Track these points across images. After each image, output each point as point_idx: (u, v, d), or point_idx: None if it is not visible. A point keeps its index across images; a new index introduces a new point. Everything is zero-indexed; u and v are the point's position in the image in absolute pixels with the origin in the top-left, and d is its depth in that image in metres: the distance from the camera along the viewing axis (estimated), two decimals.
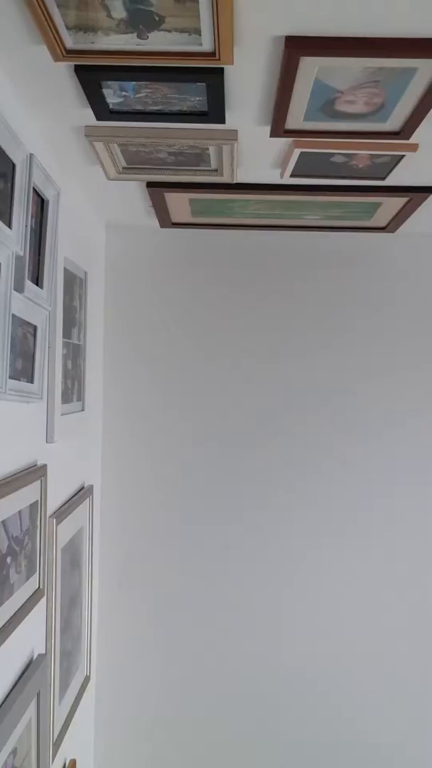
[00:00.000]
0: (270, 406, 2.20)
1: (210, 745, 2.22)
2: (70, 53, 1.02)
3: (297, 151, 1.40)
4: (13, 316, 1.23)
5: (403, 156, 1.45)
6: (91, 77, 1.12)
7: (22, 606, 1.32)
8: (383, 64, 1.05)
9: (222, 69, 1.09)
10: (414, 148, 1.39)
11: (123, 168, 1.57)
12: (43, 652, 1.53)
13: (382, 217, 1.94)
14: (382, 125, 1.27)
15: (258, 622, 2.21)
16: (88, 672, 2.00)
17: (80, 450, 1.90)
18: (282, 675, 2.21)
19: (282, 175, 1.57)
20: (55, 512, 1.61)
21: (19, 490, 1.29)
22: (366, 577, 2.20)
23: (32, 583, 1.40)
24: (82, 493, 1.88)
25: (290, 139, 1.38)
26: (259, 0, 0.92)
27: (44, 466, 1.46)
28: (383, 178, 1.61)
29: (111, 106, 1.23)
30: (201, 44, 0.99)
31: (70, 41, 1.00)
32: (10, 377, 1.22)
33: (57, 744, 1.59)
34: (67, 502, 1.74)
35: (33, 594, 1.40)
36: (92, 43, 1.00)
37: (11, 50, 1.08)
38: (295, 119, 1.25)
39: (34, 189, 1.30)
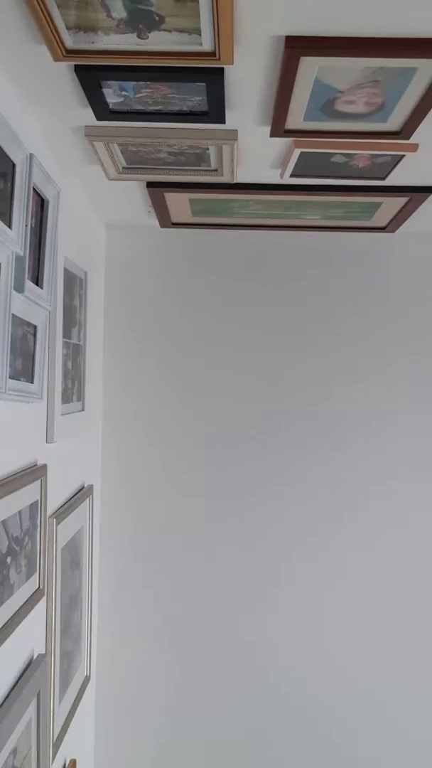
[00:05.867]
0: (271, 405, 2.20)
1: (210, 745, 2.22)
2: (70, 53, 1.02)
3: (297, 151, 1.40)
4: (13, 316, 1.23)
5: (403, 156, 1.45)
6: (91, 77, 1.12)
7: (22, 606, 1.32)
8: (383, 64, 1.05)
9: (222, 69, 1.09)
10: (414, 148, 1.39)
11: (123, 168, 1.57)
12: (43, 652, 1.53)
13: (382, 217, 1.94)
14: (382, 125, 1.27)
15: (259, 621, 2.21)
16: (88, 672, 2.00)
17: (80, 450, 1.90)
18: (283, 674, 2.21)
19: (282, 175, 1.57)
20: (55, 512, 1.61)
21: (19, 490, 1.29)
22: (370, 572, 2.20)
23: (32, 583, 1.40)
24: (82, 493, 1.88)
25: (290, 139, 1.38)
26: (259, 0, 0.92)
27: (44, 466, 1.46)
28: (383, 178, 1.61)
29: (111, 106, 1.23)
30: (201, 44, 0.99)
31: (70, 41, 1.00)
32: (10, 377, 1.22)
33: (57, 744, 1.59)
34: (67, 502, 1.74)
35: (33, 594, 1.40)
36: (92, 42, 1.00)
37: (11, 50, 1.08)
38: (295, 119, 1.25)
39: (34, 189, 1.30)
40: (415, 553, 2.21)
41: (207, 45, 0.99)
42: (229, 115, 1.29)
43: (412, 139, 1.35)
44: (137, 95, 1.19)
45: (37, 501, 1.42)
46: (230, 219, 2.01)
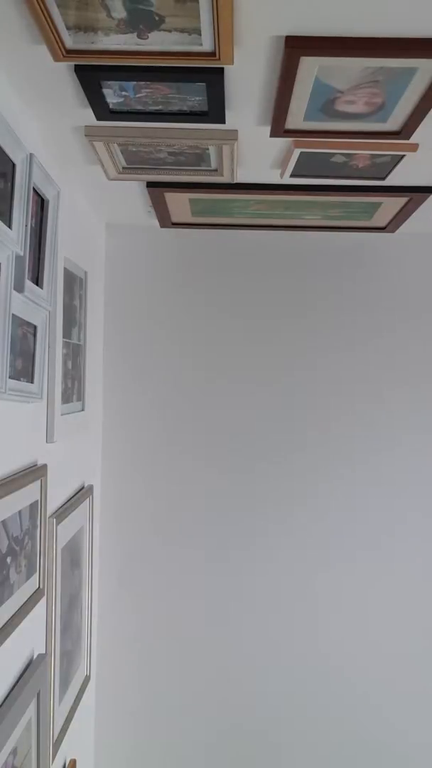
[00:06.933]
0: (271, 405, 2.20)
1: (210, 745, 2.22)
2: (70, 53, 1.02)
3: (297, 151, 1.40)
4: (13, 316, 1.23)
5: (403, 156, 1.45)
6: (91, 77, 1.12)
7: (22, 606, 1.32)
8: (383, 64, 1.05)
9: (222, 69, 1.09)
10: (414, 148, 1.39)
11: (123, 168, 1.57)
12: (43, 652, 1.53)
13: (382, 217, 1.94)
14: (382, 125, 1.27)
15: (259, 622, 2.21)
16: (88, 672, 2.00)
17: (80, 450, 1.90)
18: (283, 675, 2.21)
19: (282, 175, 1.57)
20: (55, 512, 1.61)
21: (19, 490, 1.29)
22: (374, 579, 2.20)
23: (32, 583, 1.40)
24: (82, 493, 1.88)
25: (290, 139, 1.38)
26: (259, 0, 0.92)
27: (44, 466, 1.46)
28: (383, 178, 1.61)
29: (111, 106, 1.23)
30: (201, 44, 0.99)
31: (70, 41, 1.00)
32: (10, 377, 1.22)
33: (57, 744, 1.59)
34: (67, 502, 1.74)
35: (33, 594, 1.40)
36: (92, 43, 1.00)
37: (11, 50, 1.08)
38: (295, 119, 1.25)
39: (34, 189, 1.30)
40: (422, 572, 2.21)
41: (207, 45, 0.99)
42: (229, 115, 1.29)
43: (412, 139, 1.35)
44: (137, 95, 1.19)
45: (37, 501, 1.42)
46: (230, 219, 2.01)
